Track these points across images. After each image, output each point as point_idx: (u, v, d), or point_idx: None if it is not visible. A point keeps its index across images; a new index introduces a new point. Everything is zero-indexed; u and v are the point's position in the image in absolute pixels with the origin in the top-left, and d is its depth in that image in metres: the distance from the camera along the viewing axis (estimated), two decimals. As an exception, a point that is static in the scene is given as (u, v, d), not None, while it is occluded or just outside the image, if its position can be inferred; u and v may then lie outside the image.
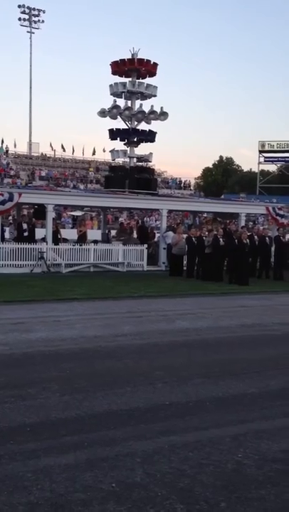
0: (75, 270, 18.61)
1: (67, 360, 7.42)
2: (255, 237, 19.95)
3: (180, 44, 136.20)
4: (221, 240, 18.02)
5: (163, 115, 23.97)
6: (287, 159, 75.20)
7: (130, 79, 23.84)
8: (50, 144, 65.46)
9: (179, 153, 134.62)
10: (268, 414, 5.66)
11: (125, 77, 24.26)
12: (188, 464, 4.39)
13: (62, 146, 66.15)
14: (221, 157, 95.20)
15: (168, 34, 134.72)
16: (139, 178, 23.03)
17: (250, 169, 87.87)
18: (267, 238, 20.20)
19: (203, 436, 4.95)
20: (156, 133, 24.26)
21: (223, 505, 3.79)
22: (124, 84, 23.68)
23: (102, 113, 23.91)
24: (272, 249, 19.97)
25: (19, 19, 68.63)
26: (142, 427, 5.11)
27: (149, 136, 24.10)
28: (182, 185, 69.83)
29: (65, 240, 22.00)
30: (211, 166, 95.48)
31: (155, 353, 8.08)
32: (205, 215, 30.84)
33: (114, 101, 23.86)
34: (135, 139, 23.99)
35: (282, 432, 5.17)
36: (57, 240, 20.42)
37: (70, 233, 26.04)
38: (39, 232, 21.35)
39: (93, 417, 5.29)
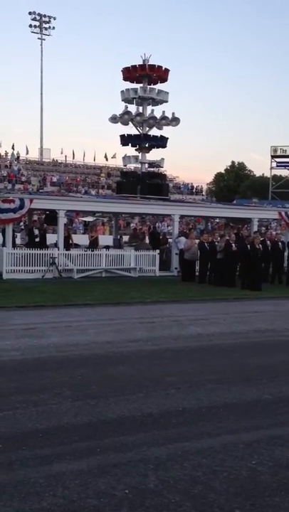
0: (87, 276, 18.64)
1: (79, 365, 7.41)
2: (268, 242, 19.85)
3: (192, 49, 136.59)
4: (233, 245, 17.96)
5: (175, 121, 24.00)
6: (299, 164, 74.91)
7: (142, 85, 23.92)
8: (62, 150, 65.69)
9: (190, 159, 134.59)
10: (282, 420, 5.59)
11: (136, 83, 24.36)
12: (202, 471, 4.34)
13: (73, 153, 66.40)
14: (232, 162, 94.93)
15: (180, 39, 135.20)
16: (151, 183, 23.06)
17: (263, 174, 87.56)
18: (280, 243, 20.09)
19: (217, 443, 4.91)
20: (167, 138, 24.31)
21: (238, 512, 3.75)
22: (135, 90, 23.76)
23: (114, 119, 23.99)
24: (285, 254, 19.84)
25: (30, 26, 69.00)
26: (155, 433, 5.07)
27: (161, 142, 24.13)
28: (194, 190, 69.75)
29: (77, 246, 22.05)
30: (222, 171, 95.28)
31: (167, 358, 8.04)
32: (217, 220, 30.78)
33: (126, 107, 23.95)
34: (147, 145, 24.04)
35: (296, 438, 5.10)
36: (68, 245, 20.48)
37: (81, 239, 26.13)
38: (50, 238, 21.44)
39: (105, 423, 5.27)
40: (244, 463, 4.52)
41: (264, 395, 6.37)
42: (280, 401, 6.19)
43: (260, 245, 17.94)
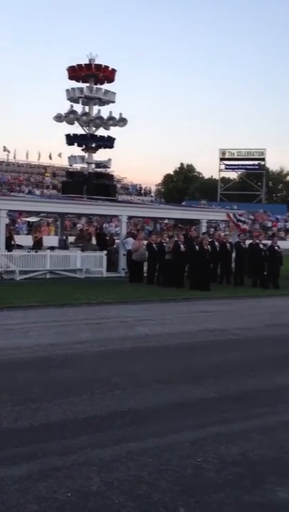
0: (30, 277, 18.22)
1: (21, 369, 7.18)
2: (216, 243, 20.06)
3: (141, 50, 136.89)
4: (181, 246, 18.03)
5: (122, 121, 23.96)
6: (247, 167, 76.61)
7: (88, 84, 23.74)
8: (5, 148, 63.82)
9: (139, 160, 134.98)
10: (228, 417, 5.59)
11: (82, 82, 24.18)
12: (147, 471, 4.27)
13: (15, 151, 64.98)
14: (181, 164, 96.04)
15: (128, 40, 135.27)
16: (98, 183, 22.91)
17: (212, 176, 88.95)
18: (228, 244, 20.32)
19: (162, 442, 4.84)
20: (114, 139, 24.23)
21: (182, 510, 3.70)
22: (81, 90, 23.60)
23: (59, 118, 23.70)
24: (233, 255, 20.11)
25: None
26: (100, 435, 4.96)
27: (108, 142, 24.04)
28: (142, 191, 69.98)
29: (20, 247, 21.57)
30: (172, 172, 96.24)
31: (114, 359, 7.93)
32: (166, 221, 30.94)
33: (71, 106, 23.71)
34: (93, 145, 23.88)
35: (241, 435, 5.11)
36: (10, 246, 19.98)
37: (25, 239, 25.61)
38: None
39: (48, 427, 5.10)
40: (189, 461, 4.48)
41: (210, 393, 6.36)
42: (226, 399, 6.20)
43: (209, 246, 18.10)
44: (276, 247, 19.12)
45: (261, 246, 19.35)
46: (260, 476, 4.26)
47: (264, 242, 20.42)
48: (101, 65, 23.70)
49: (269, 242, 19.96)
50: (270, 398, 6.26)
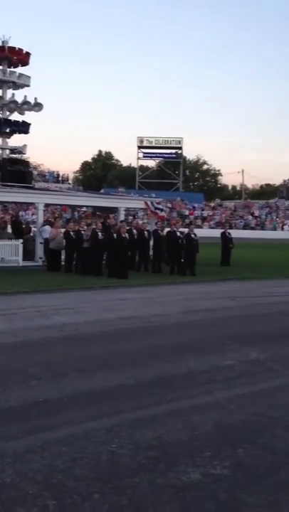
0: None
1: None
2: (134, 230, 20.21)
3: (58, 34, 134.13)
4: (99, 234, 18.02)
5: (37, 106, 23.48)
6: (165, 155, 77.48)
7: (1, 67, 23.00)
8: None
9: (56, 147, 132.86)
10: (144, 403, 5.70)
11: (-5, 65, 23.39)
12: (62, 459, 4.27)
13: None
14: (100, 151, 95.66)
15: (44, 23, 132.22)
16: (13, 170, 22.31)
17: (130, 164, 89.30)
18: (145, 232, 20.54)
19: (78, 430, 4.86)
20: (30, 124, 23.70)
21: (97, 496, 3.74)
22: (-7, 72, 22.83)
23: None
24: (151, 242, 20.35)
25: None
26: (14, 427, 4.90)
27: (23, 128, 23.49)
28: (60, 178, 69.04)
29: None
30: (90, 160, 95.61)
31: (30, 350, 7.83)
32: (84, 209, 30.70)
33: (-17, 89, 22.91)
34: (7, 130, 23.21)
35: (156, 419, 5.23)
36: None
37: None
38: None
39: None
40: (105, 447, 4.53)
41: (127, 379, 6.44)
42: (142, 385, 6.30)
43: (127, 234, 18.20)
44: (193, 235, 19.55)
45: (178, 234, 19.73)
46: (173, 458, 4.39)
47: (181, 230, 20.82)
48: (15, 47, 23.03)
49: (186, 230, 20.38)
50: (184, 382, 6.43)
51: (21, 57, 23.35)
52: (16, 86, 23.20)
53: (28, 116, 24.03)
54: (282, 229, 56.40)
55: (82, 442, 4.61)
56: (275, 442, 4.79)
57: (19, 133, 23.70)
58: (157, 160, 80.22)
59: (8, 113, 23.09)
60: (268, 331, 9.84)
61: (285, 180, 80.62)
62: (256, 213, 60.88)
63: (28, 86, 23.47)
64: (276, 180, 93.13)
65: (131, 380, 6.42)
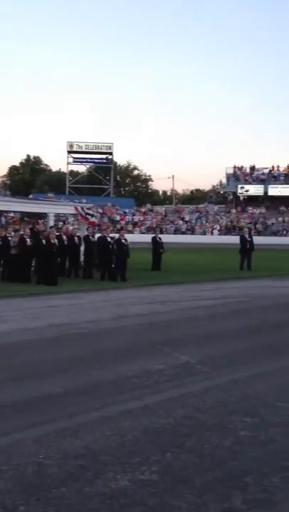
0: None
1: None
2: (64, 236, 20.03)
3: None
4: (28, 240, 17.72)
5: None
6: (95, 160, 77.25)
7: None
8: None
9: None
10: (72, 411, 5.62)
11: None
12: (-14, 474, 4.14)
13: None
14: (28, 156, 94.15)
15: None
16: None
17: (60, 169, 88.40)
18: (76, 238, 20.39)
19: (3, 442, 4.74)
20: None
21: (22, 508, 3.65)
22: None
23: None
24: (82, 248, 20.24)
25: None
26: None
27: None
28: (-13, 184, 67.33)
29: None
30: (17, 164, 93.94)
31: None
32: (12, 214, 30.15)
33: None
34: None
35: (84, 427, 5.18)
36: None
37: None
38: None
39: None
40: (31, 458, 4.43)
41: (56, 388, 6.34)
42: (71, 393, 6.23)
43: (56, 240, 18.00)
44: (123, 240, 19.59)
45: (109, 239, 19.73)
46: (102, 466, 4.36)
47: (112, 235, 20.84)
48: None
49: (117, 235, 20.42)
50: (113, 389, 6.41)
51: None
52: None
53: None
54: (212, 233, 57.68)
55: (8, 454, 4.49)
56: (202, 445, 4.86)
57: None
58: (88, 165, 79.94)
59: None
60: (196, 333, 10.01)
61: (214, 186, 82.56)
62: (186, 218, 61.91)
63: None
64: (205, 186, 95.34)
65: (59, 389, 6.32)
